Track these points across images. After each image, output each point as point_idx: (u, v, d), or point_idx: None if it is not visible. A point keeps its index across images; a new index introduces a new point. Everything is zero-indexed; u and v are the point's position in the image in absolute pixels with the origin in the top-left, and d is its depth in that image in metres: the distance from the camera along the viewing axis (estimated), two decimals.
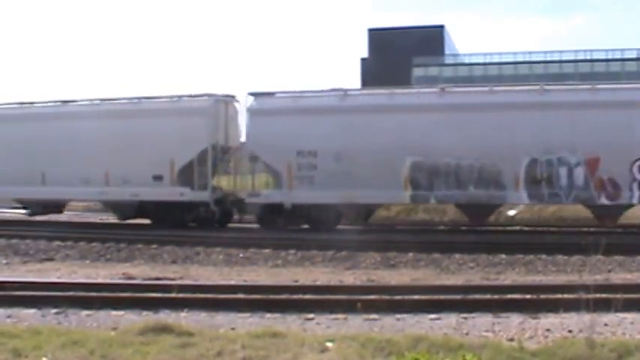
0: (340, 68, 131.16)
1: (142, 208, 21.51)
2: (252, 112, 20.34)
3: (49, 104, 23.07)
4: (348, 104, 19.58)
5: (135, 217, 21.92)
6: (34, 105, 23.16)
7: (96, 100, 22.46)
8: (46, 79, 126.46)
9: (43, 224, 21.86)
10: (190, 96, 21.35)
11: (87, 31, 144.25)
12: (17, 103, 23.49)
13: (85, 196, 22.49)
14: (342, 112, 19.37)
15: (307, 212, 19.75)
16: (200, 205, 20.77)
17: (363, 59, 76.55)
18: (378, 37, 74.12)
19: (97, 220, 24.43)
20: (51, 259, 15.74)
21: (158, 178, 20.69)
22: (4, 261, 15.45)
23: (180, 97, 21.39)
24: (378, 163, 18.68)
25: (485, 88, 19.70)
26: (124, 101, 22.17)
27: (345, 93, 20.02)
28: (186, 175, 20.65)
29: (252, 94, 20.54)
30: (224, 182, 22.12)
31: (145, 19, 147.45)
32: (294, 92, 20.51)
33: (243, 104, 21.03)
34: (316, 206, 19.47)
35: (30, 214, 23.72)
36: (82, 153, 21.19)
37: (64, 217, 24.53)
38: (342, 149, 18.98)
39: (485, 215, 19.31)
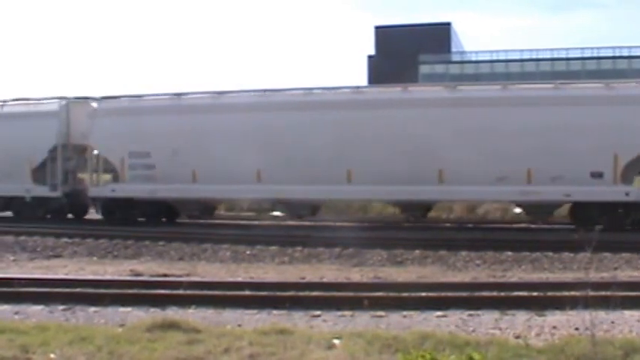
0: (348, 66, 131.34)
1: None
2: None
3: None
4: None
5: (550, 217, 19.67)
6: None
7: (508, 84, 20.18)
8: (46, 77, 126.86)
9: (50, 221, 21.93)
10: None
11: (87, 29, 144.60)
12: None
13: (497, 196, 19.23)
14: None
15: None
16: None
17: (369, 57, 76.52)
18: (385, 35, 74.04)
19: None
20: (58, 256, 15.81)
21: (597, 175, 17.87)
22: (12, 258, 15.50)
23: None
24: None
25: None
26: (542, 86, 19.82)
27: None
28: (630, 171, 18.26)
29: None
30: None
31: (155, 15, 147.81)
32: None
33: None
34: None
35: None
36: (497, 146, 18.27)
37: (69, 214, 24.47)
38: None
39: None
